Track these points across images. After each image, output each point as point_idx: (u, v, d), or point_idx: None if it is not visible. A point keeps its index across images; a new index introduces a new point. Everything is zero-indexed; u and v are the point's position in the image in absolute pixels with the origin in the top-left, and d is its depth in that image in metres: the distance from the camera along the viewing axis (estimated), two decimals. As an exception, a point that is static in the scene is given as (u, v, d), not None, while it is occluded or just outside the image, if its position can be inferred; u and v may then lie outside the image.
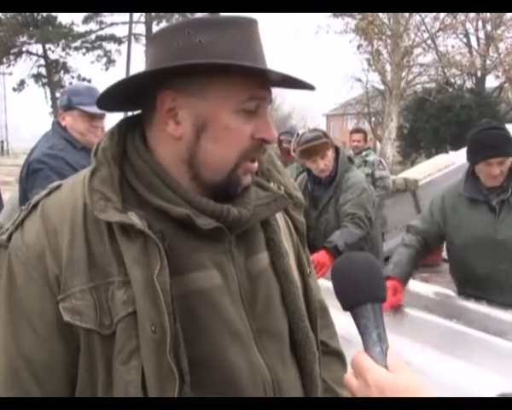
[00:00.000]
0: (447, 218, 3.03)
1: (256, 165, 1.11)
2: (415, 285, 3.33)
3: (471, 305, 2.90)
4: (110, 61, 33.82)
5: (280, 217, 1.24)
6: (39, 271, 1.00)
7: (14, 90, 33.19)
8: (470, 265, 2.99)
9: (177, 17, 31.35)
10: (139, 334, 0.97)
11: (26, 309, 1.01)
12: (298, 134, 6.56)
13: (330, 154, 3.68)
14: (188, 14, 31.63)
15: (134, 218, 0.99)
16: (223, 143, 1.06)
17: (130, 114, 1.19)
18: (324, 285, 1.47)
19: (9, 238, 1.05)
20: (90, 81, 34.02)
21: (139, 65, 29.54)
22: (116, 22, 32.87)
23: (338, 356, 1.38)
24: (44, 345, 1.00)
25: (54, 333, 1.00)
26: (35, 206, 1.07)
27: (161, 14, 31.88)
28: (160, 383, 0.96)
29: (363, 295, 0.87)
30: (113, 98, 1.10)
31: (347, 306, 0.89)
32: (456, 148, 9.82)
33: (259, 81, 1.05)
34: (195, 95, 1.04)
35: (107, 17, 32.86)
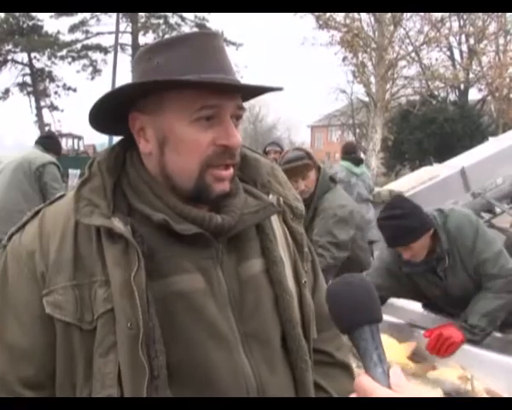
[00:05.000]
0: (404, 283, 3.02)
1: (229, 172, 1.14)
2: (399, 300, 3.38)
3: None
4: (96, 71, 33.63)
5: (278, 227, 1.27)
6: (29, 267, 1.10)
7: (-1, 98, 32.92)
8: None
9: (163, 28, 31.41)
10: (116, 330, 1.05)
11: (15, 300, 1.11)
12: (282, 148, 6.51)
13: (313, 175, 3.58)
14: (172, 21, 31.66)
15: (117, 223, 1.08)
16: (183, 154, 1.12)
17: None
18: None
19: (10, 238, 1.16)
20: (75, 91, 33.94)
21: (125, 75, 29.47)
22: (102, 32, 32.76)
23: (344, 368, 1.37)
24: (26, 333, 1.09)
25: (37, 324, 1.09)
26: (37, 212, 1.18)
27: (147, 24, 31.87)
28: (133, 376, 1.03)
29: (360, 317, 0.87)
30: (100, 121, 1.19)
31: (345, 329, 0.89)
32: (439, 160, 9.91)
33: (210, 90, 1.09)
34: (154, 112, 1.12)
35: (93, 27, 32.80)
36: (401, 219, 2.72)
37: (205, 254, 1.14)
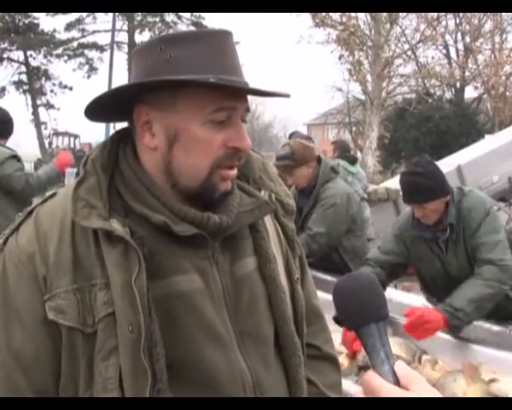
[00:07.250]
0: (410, 250, 3.06)
1: (234, 172, 1.15)
2: (397, 295, 3.40)
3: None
4: (92, 69, 33.60)
5: (270, 224, 1.28)
6: (29, 271, 1.07)
7: (-5, 96, 32.83)
8: (437, 293, 3.08)
9: (159, 26, 31.39)
10: (118, 333, 1.03)
11: (17, 305, 1.07)
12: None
13: (302, 171, 3.69)
14: (168, 20, 31.63)
15: (115, 225, 1.05)
16: (194, 153, 1.10)
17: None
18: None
19: (5, 242, 1.13)
20: (71, 89, 33.89)
21: (121, 73, 29.51)
22: (98, 30, 32.74)
23: (331, 361, 1.40)
24: (31, 339, 1.07)
25: (40, 328, 1.06)
26: (30, 212, 1.14)
27: (144, 22, 31.85)
28: (135, 380, 1.02)
29: (368, 315, 0.87)
30: (97, 109, 1.15)
31: (353, 326, 0.89)
32: (435, 157, 9.95)
33: (226, 92, 1.08)
34: (165, 108, 1.10)
35: (90, 25, 32.77)
36: (420, 177, 2.83)
37: (202, 254, 1.14)
